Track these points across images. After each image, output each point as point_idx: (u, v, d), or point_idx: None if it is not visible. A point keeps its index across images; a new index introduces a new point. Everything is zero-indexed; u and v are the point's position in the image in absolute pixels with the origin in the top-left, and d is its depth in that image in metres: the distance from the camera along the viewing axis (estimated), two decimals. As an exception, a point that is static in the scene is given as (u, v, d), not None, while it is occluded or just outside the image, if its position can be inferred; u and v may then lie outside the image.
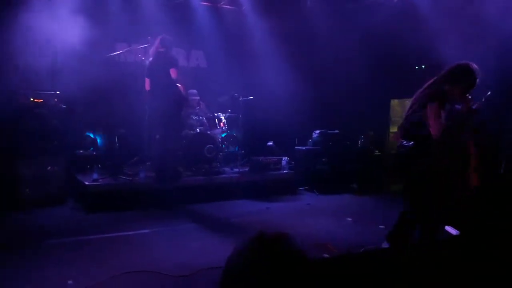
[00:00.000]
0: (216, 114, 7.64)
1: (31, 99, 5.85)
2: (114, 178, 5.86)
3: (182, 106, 6.37)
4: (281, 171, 7.29)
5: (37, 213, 5.24)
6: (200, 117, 7.36)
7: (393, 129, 8.42)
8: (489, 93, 3.53)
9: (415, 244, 3.44)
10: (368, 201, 6.82)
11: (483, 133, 4.23)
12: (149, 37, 6.34)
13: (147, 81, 6.09)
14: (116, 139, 6.38)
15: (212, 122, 7.53)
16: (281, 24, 8.58)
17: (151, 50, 6.10)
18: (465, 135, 3.46)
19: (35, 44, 5.94)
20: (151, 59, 6.10)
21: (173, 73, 5.86)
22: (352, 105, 8.13)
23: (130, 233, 4.57)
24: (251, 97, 7.31)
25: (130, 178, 5.92)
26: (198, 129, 7.08)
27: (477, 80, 3.32)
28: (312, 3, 8.57)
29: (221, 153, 7.22)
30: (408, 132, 3.55)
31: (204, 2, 8.43)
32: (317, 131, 7.80)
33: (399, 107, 8.41)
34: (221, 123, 7.62)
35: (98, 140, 7.18)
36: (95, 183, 5.60)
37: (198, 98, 7.52)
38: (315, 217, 5.55)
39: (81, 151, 6.73)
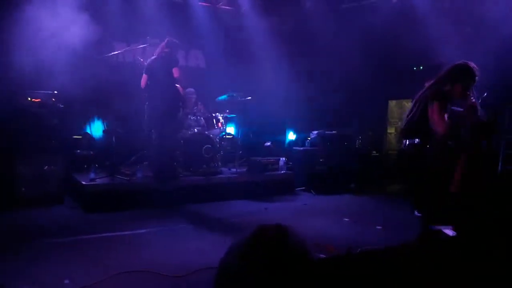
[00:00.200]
0: (214, 114, 7.63)
1: (29, 99, 5.84)
2: (111, 178, 5.85)
3: (180, 106, 6.38)
4: (279, 172, 7.29)
5: (34, 212, 5.22)
6: (198, 117, 7.35)
7: (391, 130, 8.45)
8: (485, 94, 3.56)
9: (415, 244, 3.44)
10: (365, 201, 6.82)
11: (487, 132, 4.24)
12: (148, 37, 6.36)
13: (144, 78, 6.12)
14: (114, 139, 6.36)
15: (210, 122, 7.52)
16: (279, 25, 8.59)
17: (156, 50, 6.13)
18: (466, 134, 3.48)
19: (33, 43, 5.92)
20: (154, 57, 6.13)
21: (175, 72, 5.91)
22: (350, 105, 8.14)
23: (127, 233, 4.55)
24: (249, 98, 7.31)
25: (128, 178, 5.91)
26: (196, 129, 7.07)
27: (477, 77, 3.37)
28: (310, 4, 8.58)
29: (219, 153, 7.21)
30: (412, 132, 3.56)
31: (203, 2, 8.44)
32: (315, 132, 7.80)
33: (397, 108, 8.44)
34: (219, 123, 7.61)
35: (96, 140, 7.16)
36: (92, 183, 5.58)
37: (195, 96, 7.50)
38: (313, 218, 5.56)
39: (79, 150, 6.72)
